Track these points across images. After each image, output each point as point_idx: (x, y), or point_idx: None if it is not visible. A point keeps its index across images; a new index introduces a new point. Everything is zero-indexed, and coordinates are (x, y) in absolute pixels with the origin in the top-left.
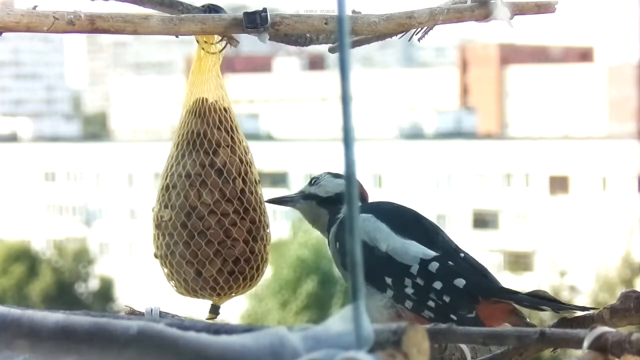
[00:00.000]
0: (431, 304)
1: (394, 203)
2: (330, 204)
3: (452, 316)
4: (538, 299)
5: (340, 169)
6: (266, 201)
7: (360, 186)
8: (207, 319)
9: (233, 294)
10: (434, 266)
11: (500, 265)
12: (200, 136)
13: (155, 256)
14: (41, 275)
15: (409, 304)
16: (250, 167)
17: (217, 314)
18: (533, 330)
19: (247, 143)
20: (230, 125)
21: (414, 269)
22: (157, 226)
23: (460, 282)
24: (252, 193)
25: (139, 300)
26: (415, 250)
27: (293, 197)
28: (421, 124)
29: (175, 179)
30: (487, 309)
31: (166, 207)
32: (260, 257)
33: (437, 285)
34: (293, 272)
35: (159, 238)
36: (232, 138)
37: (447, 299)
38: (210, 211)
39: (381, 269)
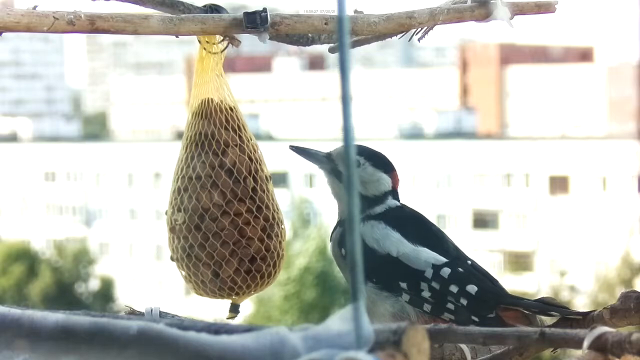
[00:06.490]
0: (450, 306)
1: (405, 208)
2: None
3: (474, 317)
4: (546, 305)
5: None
6: (290, 146)
7: (396, 175)
8: (227, 318)
9: (252, 292)
10: (445, 272)
11: (500, 265)
12: (208, 137)
13: (172, 259)
14: (41, 275)
15: (427, 307)
16: (260, 164)
17: (238, 312)
18: (533, 330)
19: (256, 141)
20: (238, 125)
21: (428, 273)
22: (172, 230)
23: (472, 289)
24: (263, 191)
25: (139, 300)
26: (426, 256)
27: (319, 157)
28: (421, 124)
29: (186, 182)
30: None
31: (179, 210)
32: (277, 254)
33: (454, 288)
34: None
35: (174, 241)
36: (239, 137)
37: (464, 302)
38: (223, 212)
39: (394, 274)
